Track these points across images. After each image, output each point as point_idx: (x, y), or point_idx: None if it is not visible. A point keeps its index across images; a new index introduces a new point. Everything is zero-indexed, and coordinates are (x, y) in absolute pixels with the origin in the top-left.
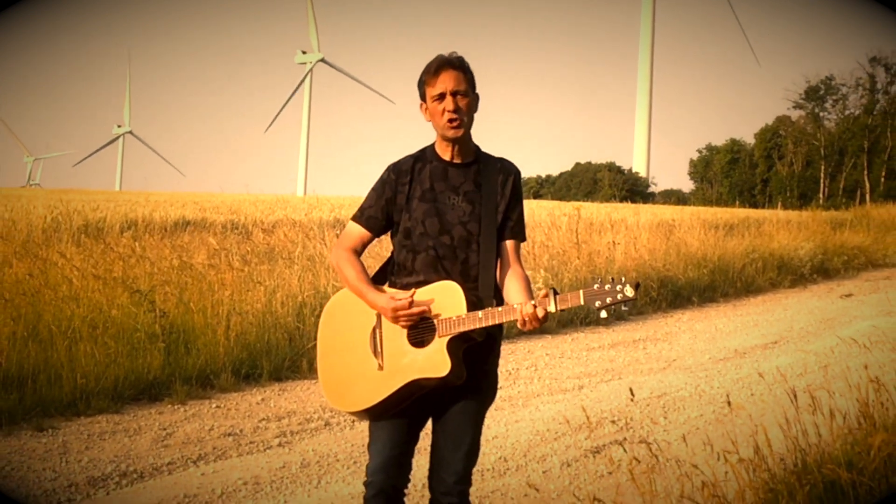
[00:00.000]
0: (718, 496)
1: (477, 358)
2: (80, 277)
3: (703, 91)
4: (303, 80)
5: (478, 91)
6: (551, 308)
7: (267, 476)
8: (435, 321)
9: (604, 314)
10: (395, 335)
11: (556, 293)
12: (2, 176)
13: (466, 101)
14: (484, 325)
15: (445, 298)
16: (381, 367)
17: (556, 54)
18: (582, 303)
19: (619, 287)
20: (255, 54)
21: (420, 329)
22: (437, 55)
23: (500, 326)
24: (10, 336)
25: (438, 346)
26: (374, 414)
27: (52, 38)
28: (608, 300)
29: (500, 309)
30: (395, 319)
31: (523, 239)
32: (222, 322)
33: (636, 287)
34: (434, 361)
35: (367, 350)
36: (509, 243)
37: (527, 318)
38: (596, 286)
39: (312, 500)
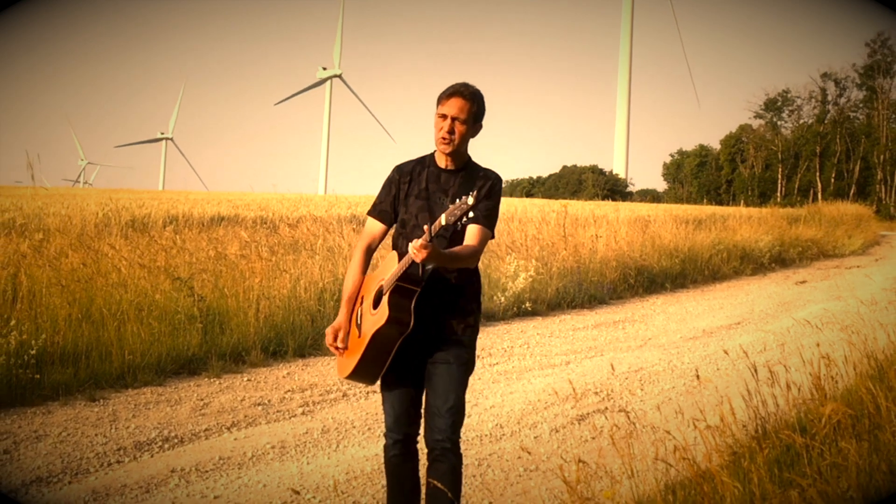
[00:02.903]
0: (688, 458)
1: (453, 331)
2: (128, 266)
3: (675, 102)
4: (316, 85)
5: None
6: (430, 239)
7: (292, 441)
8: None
9: (458, 225)
10: (367, 307)
11: (430, 224)
12: (54, 173)
13: (462, 127)
14: (402, 269)
15: (389, 265)
16: (359, 336)
17: (547, 71)
18: (444, 223)
19: (463, 198)
20: (284, 71)
21: (377, 296)
22: (455, 82)
23: (478, 304)
24: (66, 318)
25: (383, 301)
26: (363, 375)
27: (111, 51)
28: (458, 213)
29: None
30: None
31: (487, 228)
32: (253, 305)
33: (475, 195)
34: (380, 314)
35: (355, 326)
36: (471, 227)
37: (415, 249)
38: (451, 206)
39: (332, 462)
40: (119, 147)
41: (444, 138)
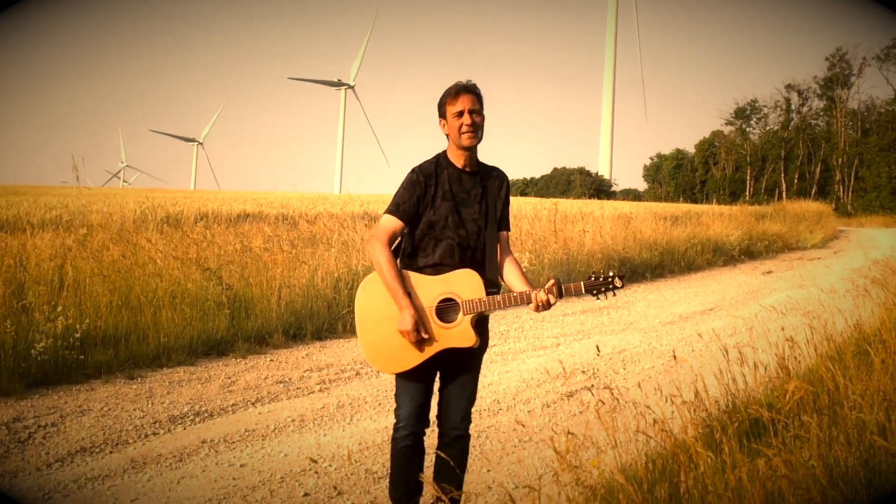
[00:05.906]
0: (666, 431)
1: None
2: (163, 258)
3: (654, 109)
4: (328, 84)
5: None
6: (558, 297)
7: (310, 415)
8: (459, 302)
9: (598, 301)
10: (432, 317)
11: (560, 284)
12: (97, 166)
13: (480, 118)
14: (502, 307)
15: (466, 283)
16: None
17: (539, 82)
18: (583, 292)
19: (610, 277)
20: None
21: (446, 307)
22: (456, 82)
23: None
24: (107, 304)
25: (465, 322)
26: (408, 372)
27: (156, 63)
28: (602, 289)
29: (515, 294)
30: (402, 333)
31: (510, 229)
32: (275, 293)
33: (622, 278)
34: (463, 335)
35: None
36: (504, 234)
37: (541, 304)
38: (592, 278)
39: (346, 434)
40: (154, 132)
41: (467, 131)
